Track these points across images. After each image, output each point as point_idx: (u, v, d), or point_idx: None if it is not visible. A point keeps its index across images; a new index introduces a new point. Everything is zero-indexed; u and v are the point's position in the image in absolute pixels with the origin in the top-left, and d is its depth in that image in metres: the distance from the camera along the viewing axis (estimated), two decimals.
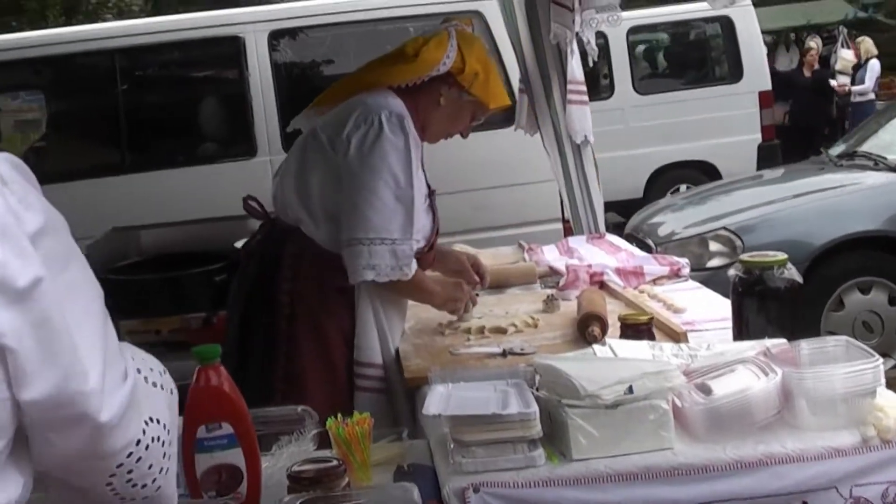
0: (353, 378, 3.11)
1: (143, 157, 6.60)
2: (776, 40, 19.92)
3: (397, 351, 3.16)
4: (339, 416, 2.19)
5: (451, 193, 6.03)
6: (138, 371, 1.36)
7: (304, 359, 3.07)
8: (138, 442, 1.32)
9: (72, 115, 7.23)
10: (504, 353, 2.97)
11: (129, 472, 1.32)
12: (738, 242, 6.23)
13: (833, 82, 14.36)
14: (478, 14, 6.33)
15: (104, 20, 16.44)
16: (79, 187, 6.20)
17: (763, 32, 19.25)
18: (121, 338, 4.17)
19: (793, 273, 2.55)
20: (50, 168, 6.89)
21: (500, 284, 3.98)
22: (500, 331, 3.24)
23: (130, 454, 1.31)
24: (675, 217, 7.27)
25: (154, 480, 1.38)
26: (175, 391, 1.49)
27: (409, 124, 3.00)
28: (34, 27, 14.72)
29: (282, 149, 6.04)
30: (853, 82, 14.41)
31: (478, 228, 6.01)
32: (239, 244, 3.70)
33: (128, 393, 1.28)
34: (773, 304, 2.56)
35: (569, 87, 4.77)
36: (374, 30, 6.62)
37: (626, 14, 12.20)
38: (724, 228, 6.43)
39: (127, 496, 1.36)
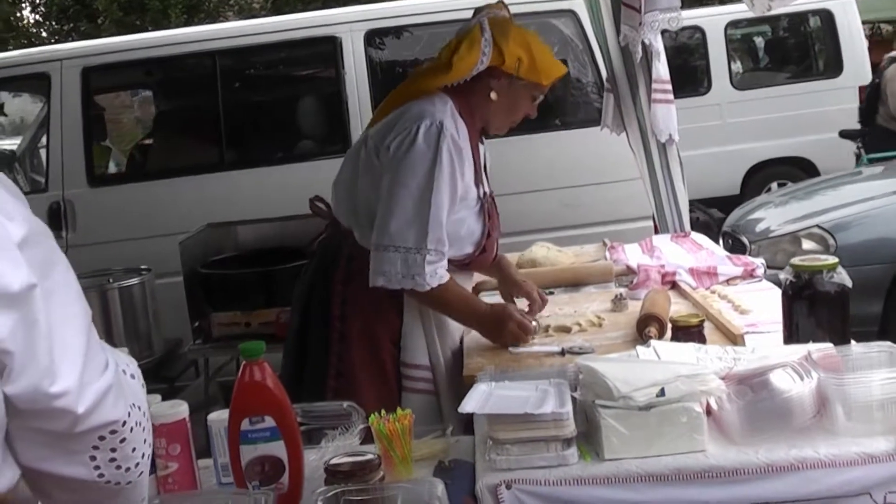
0: (401, 379, 3.19)
1: (242, 155, 6.76)
2: None
3: (453, 351, 3.23)
4: (383, 412, 2.27)
5: (539, 191, 6.12)
6: (116, 364, 1.46)
7: (354, 358, 3.16)
8: (124, 423, 1.42)
9: (175, 114, 7.48)
10: (563, 352, 3.01)
11: (113, 450, 1.42)
12: (832, 241, 6.14)
13: None
14: (571, 13, 6.38)
15: (226, 18, 16.81)
16: (179, 184, 6.42)
17: (882, 21, 18.85)
18: (213, 330, 4.34)
19: (843, 277, 2.54)
20: (153, 165, 7.15)
21: (576, 283, 4.03)
22: (565, 329, 3.28)
23: (114, 432, 1.41)
24: (772, 214, 7.16)
25: (137, 465, 1.48)
26: (144, 386, 1.58)
27: (448, 133, 3.01)
28: (157, 26, 15.11)
29: None
30: None
31: (567, 226, 6.05)
32: None
33: (108, 381, 1.40)
34: (823, 309, 2.56)
35: (654, 85, 4.78)
36: None
37: (723, 8, 12.18)
38: (818, 226, 6.34)
39: (113, 480, 1.45)
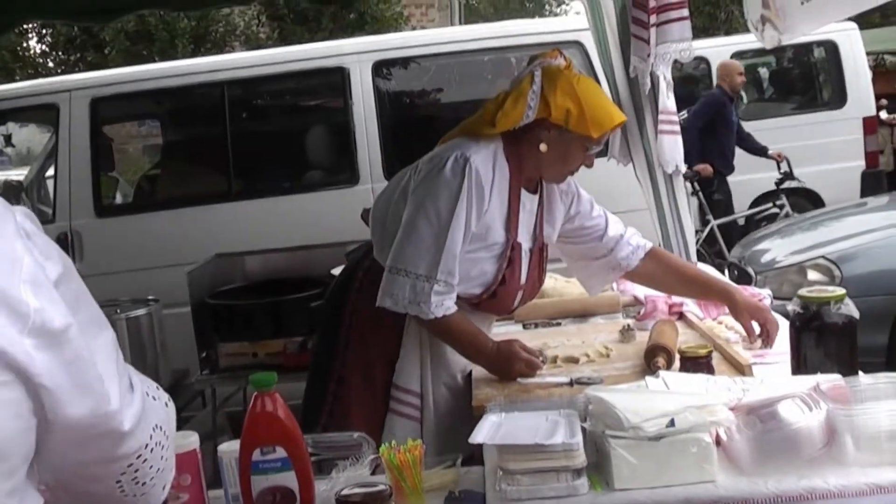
0: (389, 401, 3.20)
1: (250, 185, 6.79)
2: None
3: (448, 385, 3.25)
4: (393, 442, 2.28)
5: None
6: (140, 385, 1.52)
7: (352, 366, 3.21)
8: (146, 445, 1.48)
9: (183, 143, 7.53)
10: (571, 383, 3.02)
11: (136, 471, 1.49)
12: (837, 272, 6.15)
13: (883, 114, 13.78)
14: (578, 44, 6.40)
15: (232, 48, 16.89)
16: (187, 214, 6.45)
17: (887, 53, 18.91)
18: (220, 361, 4.37)
19: (850, 308, 2.55)
20: (161, 196, 7.19)
21: (584, 313, 4.05)
22: (573, 360, 3.29)
23: (139, 456, 1.47)
24: (778, 244, 7.19)
25: (152, 479, 1.54)
26: (171, 404, 1.65)
27: (476, 168, 3.00)
28: (164, 56, 15.19)
29: (383, 176, 6.19)
30: None
31: None
32: (335, 271, 3.83)
33: (140, 402, 1.46)
34: (831, 340, 2.57)
35: (660, 116, 4.80)
36: (476, 60, 6.72)
37: (729, 39, 12.25)
38: (824, 257, 6.35)
39: (130, 493, 1.51)
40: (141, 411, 1.45)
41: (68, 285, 1.38)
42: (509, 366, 3.14)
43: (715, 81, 10.69)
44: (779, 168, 10.15)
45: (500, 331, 3.62)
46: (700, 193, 9.74)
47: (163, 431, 1.54)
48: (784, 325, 3.12)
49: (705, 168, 9.68)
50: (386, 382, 3.21)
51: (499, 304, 3.28)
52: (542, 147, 3.10)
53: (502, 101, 3.11)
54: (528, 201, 3.23)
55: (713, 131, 9.78)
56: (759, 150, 10.07)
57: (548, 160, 3.15)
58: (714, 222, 9.74)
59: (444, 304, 3.03)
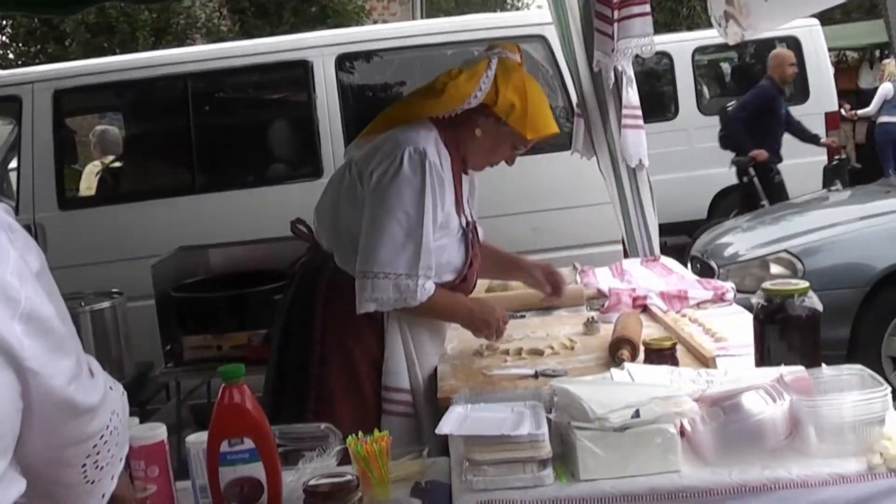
0: (381, 402, 3.20)
1: (213, 178, 6.75)
2: (861, 57, 19.63)
3: (430, 375, 3.25)
4: (360, 433, 2.29)
5: (509, 215, 6.14)
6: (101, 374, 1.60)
7: (333, 381, 3.18)
8: (107, 427, 1.57)
9: (145, 136, 7.47)
10: (536, 375, 3.04)
11: (98, 453, 1.57)
12: (800, 265, 6.20)
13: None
14: (542, 38, 6.43)
15: (193, 41, 16.78)
16: (150, 207, 6.41)
17: (848, 49, 19.09)
18: (185, 354, 4.35)
19: (814, 301, 2.58)
20: (123, 188, 7.15)
21: (548, 306, 4.06)
22: (537, 352, 3.31)
23: (101, 436, 1.56)
24: (740, 238, 7.24)
25: (108, 464, 1.61)
26: (125, 393, 1.70)
27: (431, 159, 3.05)
28: (125, 48, 15.07)
29: None
30: None
31: (536, 250, 6.06)
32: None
33: (103, 385, 1.55)
34: (795, 333, 2.59)
35: (624, 111, 4.83)
36: (439, 54, 6.71)
37: (691, 34, 12.32)
38: (786, 251, 6.41)
39: (90, 479, 1.59)
40: (105, 392, 1.54)
41: (46, 279, 1.43)
42: (489, 316, 3.25)
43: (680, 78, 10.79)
44: (833, 155, 10.17)
45: None
46: (756, 178, 9.69)
47: (119, 418, 1.62)
48: (746, 319, 3.18)
49: (760, 153, 9.55)
50: (373, 387, 3.22)
51: (467, 286, 3.34)
52: (478, 132, 3.19)
53: (455, 76, 3.15)
54: (464, 182, 3.31)
55: (762, 122, 9.70)
56: (810, 138, 10.06)
57: (477, 147, 3.24)
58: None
59: (426, 289, 3.07)
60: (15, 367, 1.36)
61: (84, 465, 1.55)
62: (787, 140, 9.90)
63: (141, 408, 5.12)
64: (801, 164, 10.10)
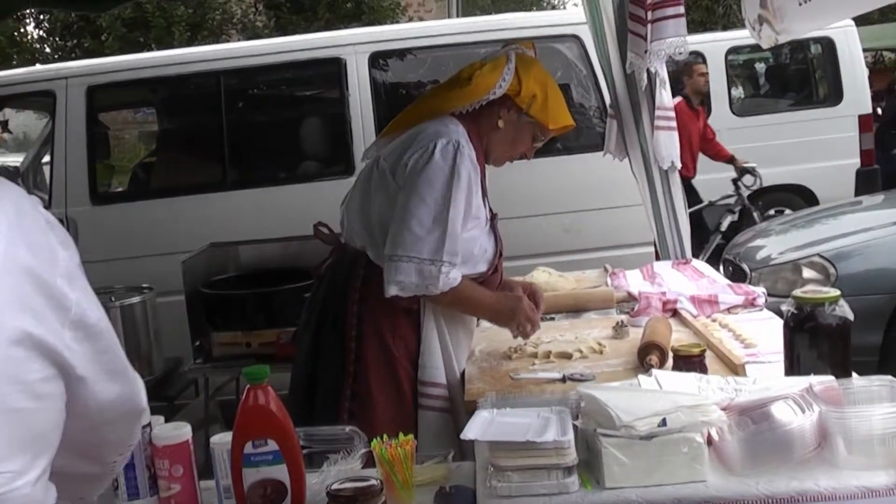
0: (418, 397, 3.20)
1: (245, 175, 6.78)
2: None
3: (463, 372, 3.25)
4: (384, 436, 2.28)
5: (541, 216, 6.13)
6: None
7: (371, 378, 3.18)
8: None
9: (179, 132, 7.49)
10: (563, 379, 3.03)
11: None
12: (832, 270, 6.14)
13: None
14: (576, 38, 6.41)
15: (229, 36, 16.86)
16: (182, 202, 6.44)
17: (885, 49, 18.87)
18: (213, 350, 4.37)
19: (845, 310, 2.54)
20: (155, 184, 7.17)
21: (577, 308, 4.05)
22: (566, 356, 3.30)
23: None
24: (773, 242, 7.17)
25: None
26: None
27: (465, 151, 3.08)
28: (160, 43, 15.16)
29: None
30: None
31: (568, 251, 6.07)
32: None
33: (141, 383, 1.57)
34: (825, 341, 2.56)
35: (657, 112, 4.81)
36: (472, 53, 6.67)
37: (724, 35, 12.20)
38: (819, 255, 6.34)
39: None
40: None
41: (83, 272, 1.42)
42: (517, 306, 3.28)
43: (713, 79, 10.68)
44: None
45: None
46: None
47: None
48: (777, 324, 3.14)
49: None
50: (411, 383, 3.22)
51: (498, 277, 3.37)
52: (500, 123, 3.26)
53: (479, 67, 3.22)
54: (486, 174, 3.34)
55: None
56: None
57: (499, 139, 3.30)
58: None
59: (450, 278, 3.07)
60: (65, 376, 1.35)
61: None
62: (819, 142, 9.86)
63: (169, 403, 5.15)
64: (833, 167, 10.01)
